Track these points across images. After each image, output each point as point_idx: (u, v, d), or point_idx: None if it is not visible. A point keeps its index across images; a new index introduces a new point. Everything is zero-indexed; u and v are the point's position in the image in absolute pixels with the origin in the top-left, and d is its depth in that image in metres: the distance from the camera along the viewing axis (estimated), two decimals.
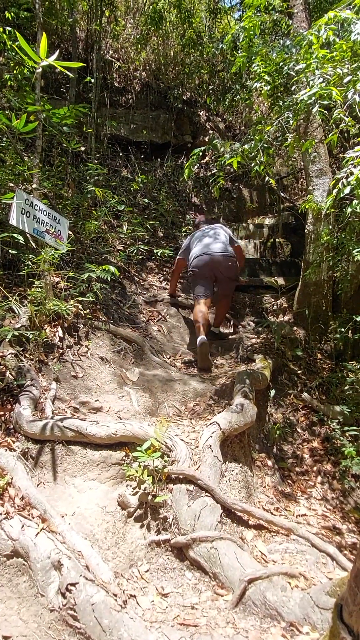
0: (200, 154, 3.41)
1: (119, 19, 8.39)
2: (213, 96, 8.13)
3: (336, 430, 3.52)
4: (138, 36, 8.00)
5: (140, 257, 5.26)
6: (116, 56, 8.63)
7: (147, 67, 8.75)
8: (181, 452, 2.50)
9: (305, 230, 4.84)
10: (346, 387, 3.79)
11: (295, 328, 4.79)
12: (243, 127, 9.53)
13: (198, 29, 7.98)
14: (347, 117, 2.65)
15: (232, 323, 5.04)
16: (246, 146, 2.98)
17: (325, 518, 2.82)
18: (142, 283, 5.10)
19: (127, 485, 2.44)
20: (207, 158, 8.99)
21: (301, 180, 10.32)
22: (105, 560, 2.11)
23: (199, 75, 8.87)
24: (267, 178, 3.62)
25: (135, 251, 5.06)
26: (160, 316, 4.62)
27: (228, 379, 3.59)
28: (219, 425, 2.66)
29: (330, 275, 4.75)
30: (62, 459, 2.50)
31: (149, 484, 2.37)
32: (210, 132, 9.17)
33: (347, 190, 2.21)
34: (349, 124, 2.69)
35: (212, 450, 2.51)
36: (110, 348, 3.65)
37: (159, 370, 3.68)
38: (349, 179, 2.20)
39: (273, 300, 5.32)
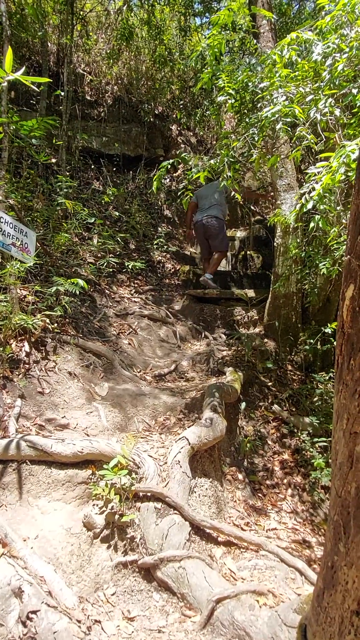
0: (169, 167, 3.42)
1: (91, 34, 8.45)
2: (184, 111, 8.24)
3: (306, 441, 3.55)
4: (109, 51, 8.06)
5: (111, 269, 5.22)
6: (88, 70, 8.66)
7: (119, 81, 8.81)
8: (149, 469, 2.46)
9: (274, 244, 4.92)
10: (315, 399, 3.83)
11: (265, 340, 4.83)
12: (214, 142, 9.68)
13: (169, 46, 8.11)
14: (309, 134, 2.71)
15: (203, 335, 5.04)
16: (212, 161, 3.01)
17: (295, 531, 2.81)
18: (113, 296, 5.06)
19: (93, 505, 2.37)
20: (179, 171, 9.08)
21: (272, 194, 10.55)
22: (69, 584, 2.03)
23: (170, 91, 8.99)
24: (235, 192, 3.67)
25: (105, 264, 5.02)
26: (131, 329, 4.58)
27: (198, 392, 3.57)
28: (187, 440, 2.63)
29: (299, 288, 4.83)
30: (26, 479, 2.41)
31: (116, 502, 2.31)
32: (183, 146, 9.27)
33: (309, 205, 2.25)
34: (312, 141, 2.76)
35: (180, 466, 2.48)
36: (79, 363, 3.58)
37: (129, 384, 3.63)
38: (311, 194, 2.24)
39: (244, 312, 5.37)
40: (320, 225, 2.37)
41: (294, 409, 3.96)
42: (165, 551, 2.09)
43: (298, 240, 4.71)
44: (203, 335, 5.03)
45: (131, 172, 8.18)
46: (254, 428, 3.68)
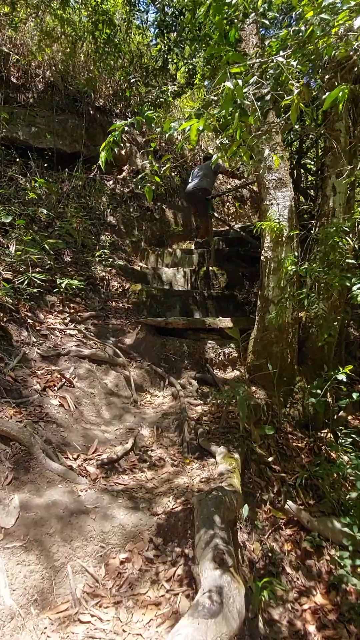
0: (107, 163, 2.07)
1: (18, 9, 6.99)
2: (134, 90, 7.03)
3: (346, 565, 2.24)
4: (41, 31, 6.64)
5: (35, 289, 3.68)
6: (15, 50, 7.20)
7: (53, 67, 7.43)
8: None
9: (261, 258, 3.68)
10: (353, 495, 2.54)
11: (253, 388, 3.53)
12: (164, 144, 8.50)
13: (112, 21, 6.80)
14: None
15: (167, 382, 3.63)
16: (215, 111, 1.68)
17: None
18: (38, 327, 3.52)
19: None
20: (124, 173, 7.79)
21: (227, 204, 9.48)
22: None
23: (113, 79, 7.75)
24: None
25: (26, 282, 3.50)
26: (64, 380, 3.06)
27: (177, 500, 2.15)
28: None
29: (296, 317, 3.61)
30: None
31: None
32: (128, 144, 8.00)
33: None
34: None
35: None
36: None
37: (59, 488, 2.13)
38: None
39: (219, 347, 4.04)
40: None
41: (312, 502, 2.66)
42: None
43: (296, 253, 3.51)
44: (167, 382, 3.62)
45: (67, 170, 6.72)
46: (262, 544, 2.32)
